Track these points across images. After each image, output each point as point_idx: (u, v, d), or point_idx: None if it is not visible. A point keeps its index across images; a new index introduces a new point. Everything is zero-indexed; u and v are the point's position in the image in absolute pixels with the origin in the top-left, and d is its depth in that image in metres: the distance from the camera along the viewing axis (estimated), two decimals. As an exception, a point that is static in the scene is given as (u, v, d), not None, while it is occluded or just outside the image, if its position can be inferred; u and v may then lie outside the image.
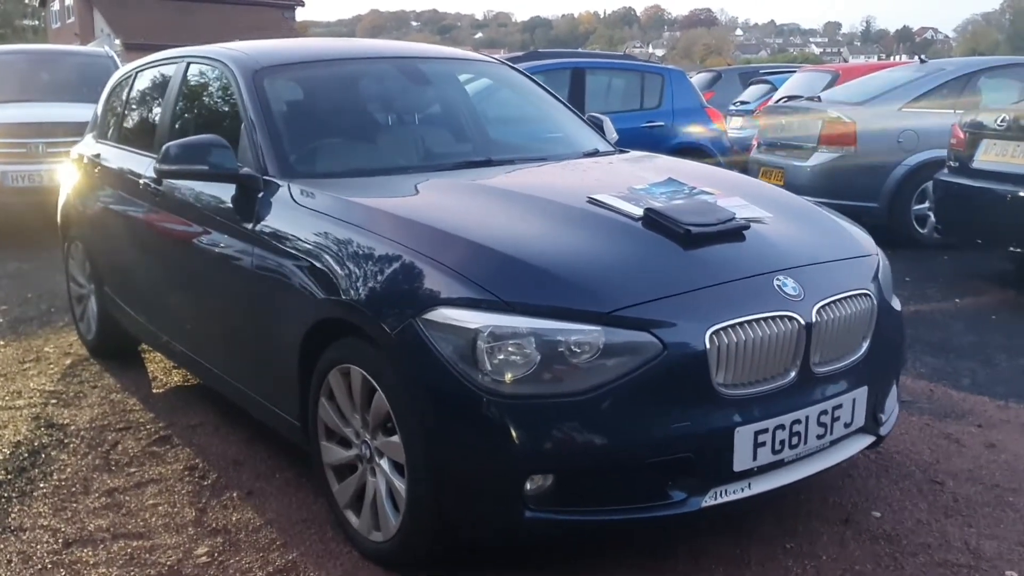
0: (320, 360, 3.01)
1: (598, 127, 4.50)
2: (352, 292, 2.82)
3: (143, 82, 4.86)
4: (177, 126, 4.24)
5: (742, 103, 13.43)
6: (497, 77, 4.67)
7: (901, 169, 8.12)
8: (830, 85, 10.73)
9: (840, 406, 2.84)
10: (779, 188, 3.71)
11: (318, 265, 3.01)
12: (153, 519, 3.24)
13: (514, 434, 2.48)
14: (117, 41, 34.93)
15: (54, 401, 4.43)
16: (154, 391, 4.60)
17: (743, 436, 2.62)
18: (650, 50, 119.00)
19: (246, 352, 3.50)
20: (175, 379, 4.74)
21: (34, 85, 10.01)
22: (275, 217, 3.31)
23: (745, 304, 2.67)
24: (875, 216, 8.20)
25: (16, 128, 8.81)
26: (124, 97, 5.00)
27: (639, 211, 2.97)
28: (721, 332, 2.58)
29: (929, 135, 8.08)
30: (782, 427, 2.69)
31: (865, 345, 2.95)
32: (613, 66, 10.61)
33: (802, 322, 2.71)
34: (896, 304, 3.32)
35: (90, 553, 3.01)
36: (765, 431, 2.66)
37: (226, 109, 3.93)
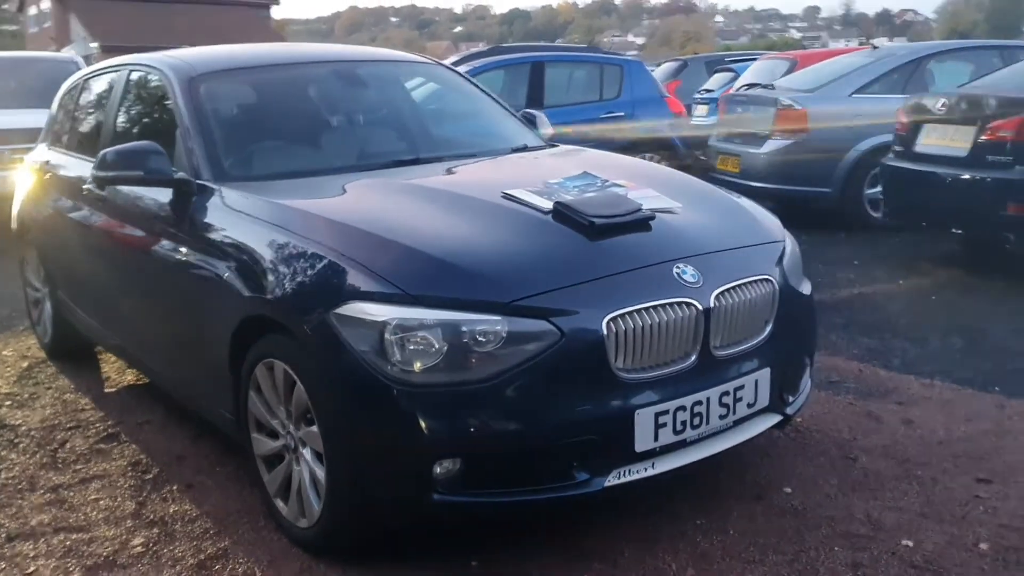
0: (247, 356, 3.12)
1: (531, 123, 4.61)
2: (272, 290, 2.93)
3: (89, 90, 4.95)
4: (119, 132, 4.34)
5: (707, 91, 13.56)
6: (433, 77, 4.79)
7: (853, 154, 8.26)
8: (788, 72, 10.86)
9: (742, 387, 2.97)
10: (694, 178, 3.84)
11: (243, 265, 3.13)
12: (94, 513, 3.35)
13: (421, 421, 2.61)
14: (94, 44, 34.80)
15: (8, 403, 4.53)
16: (106, 391, 4.71)
17: (644, 418, 2.75)
18: (629, 38, 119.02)
19: (183, 350, 3.62)
20: (128, 378, 4.84)
21: (2, 92, 10.05)
22: (206, 220, 3.42)
23: (643, 291, 2.80)
24: (828, 201, 8.36)
25: None
26: (72, 105, 5.10)
27: (549, 204, 3.09)
28: (618, 319, 2.71)
29: (879, 120, 8.22)
30: (683, 408, 2.82)
31: (768, 328, 3.08)
32: (572, 59, 10.75)
33: (700, 308, 2.84)
34: (806, 288, 3.45)
35: (31, 547, 3.13)
36: (666, 412, 2.79)
37: (164, 115, 4.02)
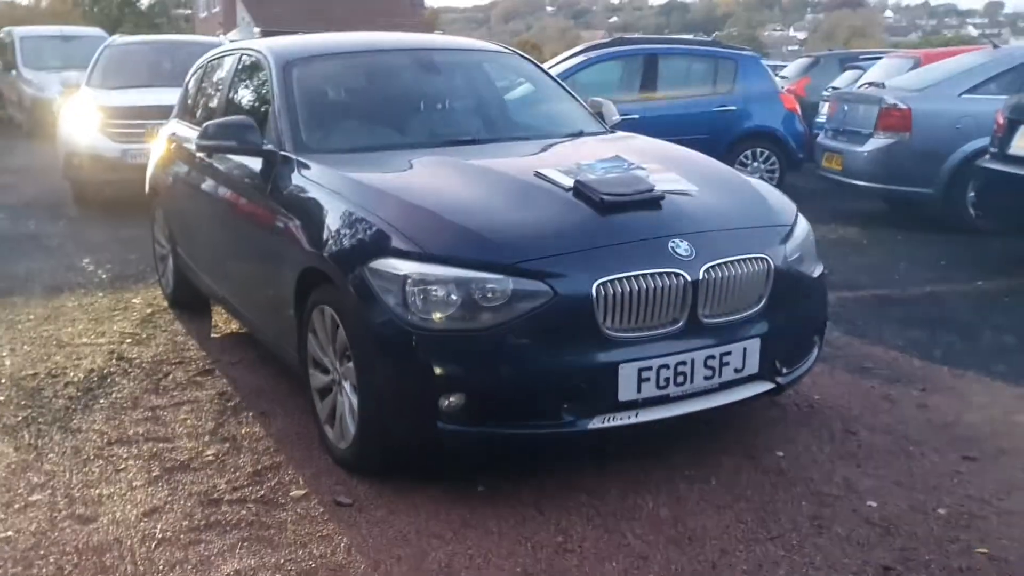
0: (307, 302, 3.69)
1: (597, 111, 5.02)
2: (325, 245, 3.48)
3: (211, 70, 5.66)
4: (228, 108, 5.00)
5: (834, 89, 13.50)
6: (508, 66, 5.26)
7: (957, 155, 8.23)
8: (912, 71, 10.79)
9: (729, 353, 3.34)
10: (723, 167, 4.19)
11: (307, 224, 3.70)
12: (180, 429, 4.00)
13: (432, 362, 3.11)
14: (256, 29, 36.88)
15: (129, 340, 5.28)
16: (212, 336, 5.41)
17: (627, 372, 3.16)
18: (791, 32, 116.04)
19: (265, 298, 4.24)
20: (232, 327, 5.53)
21: (157, 72, 11.06)
22: (283, 185, 4.02)
23: (636, 261, 3.21)
24: (930, 201, 8.39)
25: (137, 111, 9.81)
26: (197, 83, 5.83)
27: (570, 183, 3.53)
28: (608, 283, 3.12)
29: (988, 122, 8.17)
30: (666, 366, 3.21)
31: (762, 303, 3.42)
32: (686, 52, 10.97)
33: (689, 279, 3.22)
34: (815, 270, 3.77)
35: (125, 451, 3.79)
36: (649, 369, 3.19)
37: (264, 95, 4.65)
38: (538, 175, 3.65)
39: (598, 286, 3.11)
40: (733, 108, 10.31)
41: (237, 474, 3.57)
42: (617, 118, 5.08)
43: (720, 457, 3.63)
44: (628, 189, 3.48)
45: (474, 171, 3.79)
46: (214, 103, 5.32)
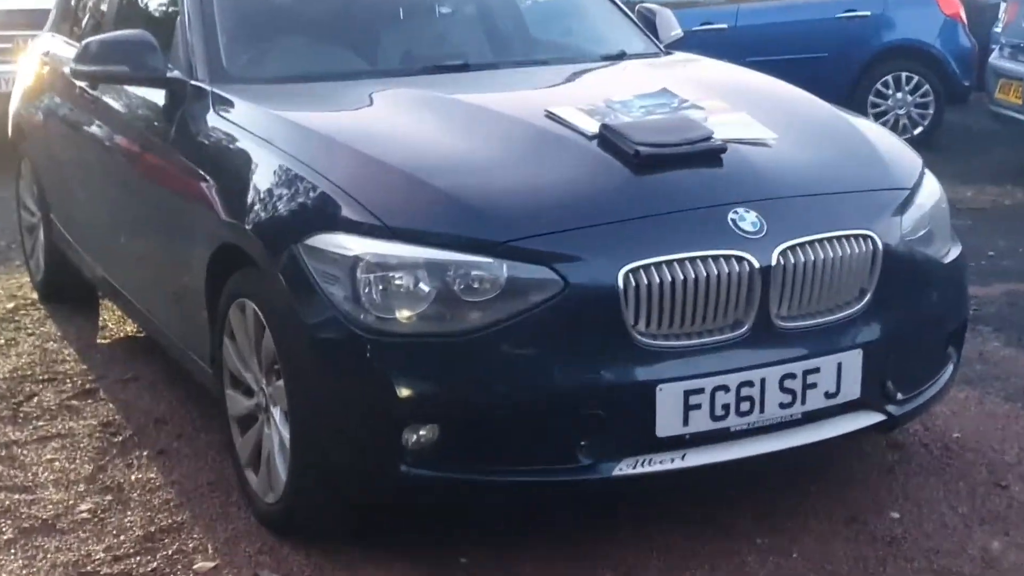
0: (222, 293, 3.85)
1: (648, 24, 5.15)
2: (248, 214, 3.64)
3: (99, -36, 5.84)
4: (122, 19, 5.18)
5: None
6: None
7: None
8: None
9: (816, 370, 3.46)
10: (823, 104, 4.30)
11: (224, 184, 3.86)
12: (45, 474, 4.19)
13: (392, 378, 3.25)
14: None
15: (-22, 348, 5.49)
16: (98, 341, 5.62)
17: (669, 395, 3.28)
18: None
19: (166, 288, 4.41)
20: (128, 329, 5.73)
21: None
22: (194, 129, 4.19)
23: (681, 240, 3.33)
24: None
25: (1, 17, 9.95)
26: (81, -18, 6.02)
27: (595, 127, 3.66)
28: (641, 271, 3.25)
29: None
30: (724, 388, 3.34)
31: (866, 300, 3.54)
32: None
33: (756, 264, 3.34)
34: (948, 254, 3.90)
35: (-33, 503, 3.98)
36: (699, 391, 3.31)
37: (170, 1, 4.82)
38: (550, 116, 3.78)
39: (627, 274, 3.23)
40: (867, 13, 10.44)
41: (121, 538, 3.74)
42: (677, 33, 5.22)
43: (807, 520, 3.76)
44: (675, 137, 3.60)
45: (461, 111, 3.93)
46: (103, 10, 5.50)
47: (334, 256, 3.31)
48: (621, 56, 4.83)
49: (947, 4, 10.70)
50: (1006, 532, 3.69)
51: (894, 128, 10.37)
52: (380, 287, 3.25)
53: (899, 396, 3.70)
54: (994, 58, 9.68)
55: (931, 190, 3.93)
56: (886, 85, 10.51)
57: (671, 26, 5.22)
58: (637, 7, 5.30)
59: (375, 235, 3.29)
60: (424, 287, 3.24)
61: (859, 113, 9.70)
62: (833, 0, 10.52)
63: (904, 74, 10.52)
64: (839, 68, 10.30)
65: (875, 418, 3.65)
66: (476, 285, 3.22)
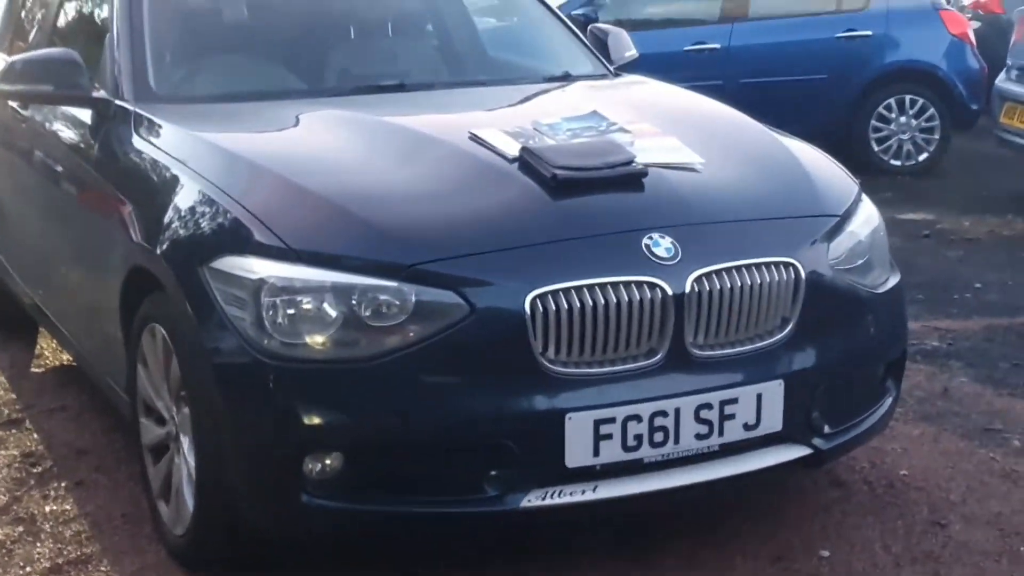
0: (135, 318, 4.01)
1: (600, 43, 5.32)
2: (160, 237, 3.80)
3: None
4: (55, 35, 5.38)
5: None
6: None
7: None
8: None
9: (734, 401, 3.59)
10: (760, 128, 4.44)
11: (140, 206, 4.03)
12: (-43, 504, 4.35)
13: (295, 406, 3.40)
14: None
15: None
16: (32, 370, 5.80)
17: (578, 425, 3.42)
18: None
19: (85, 312, 4.58)
20: (64, 358, 5.88)
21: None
22: (116, 150, 4.37)
23: (591, 265, 3.47)
24: None
25: None
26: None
27: (515, 150, 3.82)
28: (549, 296, 3.39)
29: None
30: (636, 418, 3.47)
31: (788, 329, 3.68)
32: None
33: (670, 291, 3.48)
34: (883, 283, 4.03)
35: None
36: (611, 421, 3.45)
37: (102, 16, 5.01)
38: (474, 139, 3.94)
39: (534, 300, 3.37)
40: (868, 33, 10.57)
41: (27, 569, 3.90)
42: (631, 53, 5.38)
43: (733, 558, 3.89)
44: (594, 161, 3.75)
45: (383, 131, 4.10)
46: (39, 27, 5.70)
47: (239, 279, 3.47)
48: (565, 77, 4.99)
49: (954, 23, 10.82)
50: (936, 572, 3.82)
51: (897, 154, 10.55)
52: (286, 311, 3.40)
53: (826, 429, 3.82)
54: (1000, 80, 9.78)
55: (867, 217, 4.06)
56: (889, 109, 10.61)
57: (624, 47, 5.38)
58: (589, 27, 5.47)
59: (281, 258, 3.45)
60: (331, 311, 3.39)
61: (862, 136, 10.07)
62: (832, 19, 10.66)
63: (908, 97, 10.61)
64: (839, 90, 10.43)
65: (800, 452, 3.77)
66: (384, 310, 3.37)
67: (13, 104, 5.30)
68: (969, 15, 13.63)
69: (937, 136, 10.64)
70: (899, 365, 4.19)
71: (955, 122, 10.70)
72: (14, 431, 5.02)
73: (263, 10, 5.13)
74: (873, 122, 10.59)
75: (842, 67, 10.47)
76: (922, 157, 10.65)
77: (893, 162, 10.66)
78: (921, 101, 10.61)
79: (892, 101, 10.63)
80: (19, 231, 5.53)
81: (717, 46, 10.33)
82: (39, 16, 5.95)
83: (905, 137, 10.62)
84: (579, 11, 9.85)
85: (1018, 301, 6.80)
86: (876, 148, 10.63)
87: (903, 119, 10.63)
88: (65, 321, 5.00)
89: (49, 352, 6.02)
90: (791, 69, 10.32)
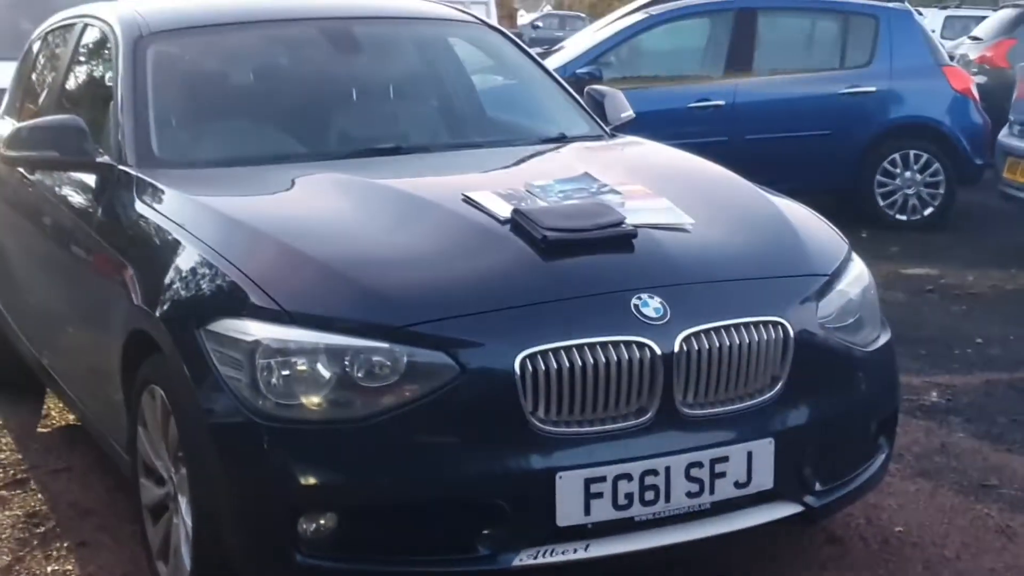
0: (136, 381, 4.08)
1: (597, 105, 5.39)
2: (159, 300, 3.87)
3: (48, 46, 6.16)
4: (63, 101, 5.47)
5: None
6: (469, 41, 5.68)
7: None
8: None
9: (724, 459, 3.63)
10: (752, 189, 4.49)
11: (140, 270, 4.10)
12: (-40, 565, 4.40)
13: (288, 464, 3.46)
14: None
15: (-88, 437, 5.73)
16: (39, 430, 5.86)
17: (569, 483, 3.47)
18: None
19: (87, 374, 4.65)
20: (70, 418, 5.95)
21: (8, 37, 11.56)
22: (118, 214, 4.45)
23: (580, 325, 3.53)
24: None
25: None
26: (30, 64, 6.33)
27: (507, 212, 3.89)
28: (539, 357, 3.45)
29: None
30: (627, 477, 3.52)
31: (778, 387, 3.73)
32: (800, 5, 11.32)
33: (658, 351, 3.53)
34: (873, 340, 4.07)
35: None
36: (601, 480, 3.50)
37: (108, 82, 5.10)
38: (467, 201, 4.01)
39: (524, 360, 3.43)
40: (871, 89, 10.65)
41: (26, 629, 3.95)
42: (628, 114, 5.44)
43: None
44: (584, 223, 3.81)
45: (378, 195, 4.17)
46: (46, 95, 5.80)
47: (234, 341, 3.53)
48: (561, 139, 5.07)
49: (957, 79, 10.91)
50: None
51: (903, 209, 10.61)
52: (280, 372, 3.47)
53: (818, 487, 3.86)
54: (1003, 135, 9.85)
55: (857, 275, 4.11)
56: (894, 163, 10.66)
57: (621, 108, 5.44)
58: (586, 89, 5.54)
59: (275, 320, 3.51)
60: (324, 373, 3.45)
61: (867, 191, 10.13)
62: (836, 76, 10.74)
63: (913, 152, 10.66)
64: (843, 146, 10.50)
65: (792, 509, 3.80)
66: (376, 371, 3.43)
67: (20, 168, 5.38)
68: (975, 70, 13.78)
69: (942, 191, 10.69)
70: (891, 422, 4.22)
71: (960, 177, 10.73)
72: (19, 491, 5.08)
73: (264, 75, 5.25)
74: (878, 177, 10.64)
75: (847, 123, 10.54)
76: (927, 211, 10.70)
77: (898, 216, 10.71)
78: (926, 156, 10.66)
79: (897, 156, 10.68)
80: (26, 293, 5.61)
81: (722, 103, 10.40)
82: (48, 80, 6.07)
83: (910, 192, 10.66)
84: (584, 69, 9.97)
85: (1019, 356, 6.82)
86: (881, 203, 10.68)
87: (908, 174, 10.67)
88: (70, 382, 5.06)
89: (56, 413, 6.09)
90: (796, 125, 10.40)
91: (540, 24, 42.37)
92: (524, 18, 43.88)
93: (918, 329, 7.23)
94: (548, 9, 56.53)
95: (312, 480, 3.46)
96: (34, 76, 6.26)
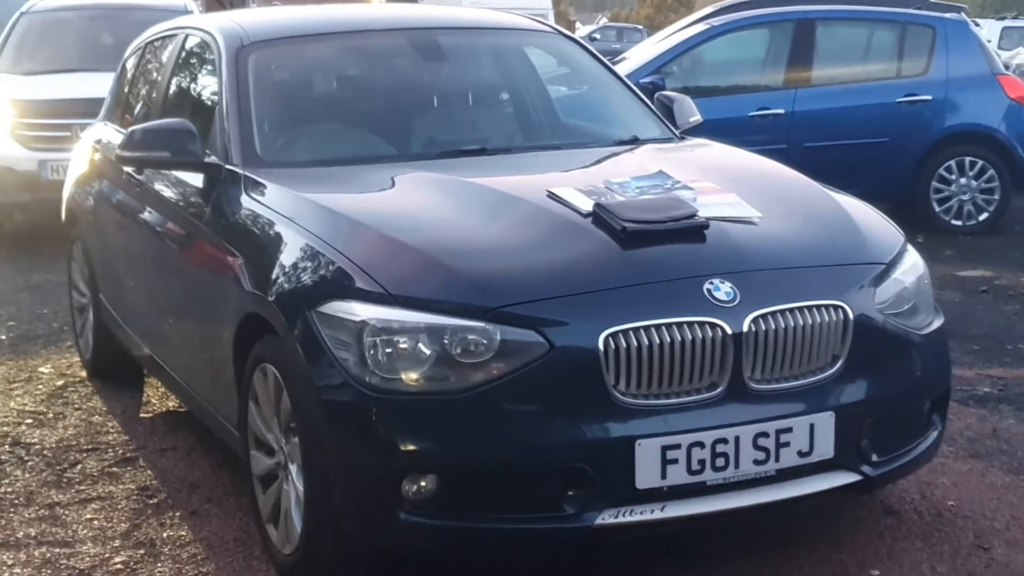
0: (247, 360, 4.46)
1: (667, 109, 5.75)
2: (271, 286, 4.26)
3: (149, 55, 6.58)
4: (167, 108, 5.89)
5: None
6: (545, 50, 6.05)
7: None
8: None
9: (789, 430, 3.97)
10: (814, 186, 4.83)
11: (251, 259, 4.49)
12: (84, 531, 4.80)
13: (394, 435, 3.83)
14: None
15: (29, 421, 6.15)
16: (141, 415, 6.26)
17: (647, 450, 3.82)
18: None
19: (199, 358, 5.04)
20: (169, 404, 6.36)
21: (93, 51, 11.96)
22: (227, 210, 4.83)
23: (657, 307, 3.89)
24: None
25: (63, 106, 10.65)
26: (132, 72, 6.75)
27: (589, 206, 4.25)
28: (620, 335, 3.80)
29: None
30: (700, 444, 3.87)
31: (838, 366, 4.06)
32: (858, 15, 11.60)
33: (728, 331, 3.88)
34: (927, 324, 4.39)
35: (10, 556, 4.60)
36: (676, 447, 3.85)
37: (211, 89, 5.51)
38: (552, 196, 4.37)
39: (607, 338, 3.79)
40: (928, 98, 10.89)
41: (151, 587, 4.35)
42: (696, 119, 5.79)
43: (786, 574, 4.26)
44: (660, 215, 4.17)
45: (469, 191, 4.55)
46: (150, 100, 6.22)
47: (343, 321, 3.91)
48: (634, 141, 5.43)
49: (1012, 87, 11.11)
50: (980, 590, 4.17)
51: (958, 214, 10.85)
52: (385, 350, 3.84)
53: (875, 458, 4.18)
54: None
55: (912, 264, 4.43)
56: (949, 170, 10.88)
57: (689, 112, 5.79)
58: (656, 95, 5.89)
59: (381, 302, 3.89)
60: (424, 350, 3.82)
61: (923, 197, 10.39)
62: (893, 84, 11.00)
63: (968, 159, 10.88)
64: (900, 153, 10.73)
65: (850, 478, 4.13)
66: (472, 348, 3.80)
67: (128, 169, 5.78)
68: (1030, 77, 13.97)
69: (997, 196, 10.89)
70: (943, 401, 4.54)
71: (1015, 182, 10.91)
72: (129, 468, 5.47)
73: (355, 82, 5.67)
74: (934, 183, 10.87)
75: (903, 131, 10.77)
76: (982, 217, 10.91)
77: (954, 222, 10.93)
78: (981, 163, 10.87)
79: (952, 163, 10.90)
80: (133, 289, 6.00)
81: (781, 111, 10.68)
82: (144, 92, 6.49)
83: (966, 198, 10.88)
84: (647, 79, 10.27)
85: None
86: (937, 209, 10.91)
87: (963, 180, 10.89)
88: (178, 368, 5.46)
89: (156, 399, 6.49)
90: (853, 133, 10.66)
91: (597, 36, 42.54)
92: (581, 30, 44.15)
93: (972, 327, 7.52)
94: (604, 21, 56.84)
95: (414, 446, 3.83)
96: (136, 83, 6.66)
